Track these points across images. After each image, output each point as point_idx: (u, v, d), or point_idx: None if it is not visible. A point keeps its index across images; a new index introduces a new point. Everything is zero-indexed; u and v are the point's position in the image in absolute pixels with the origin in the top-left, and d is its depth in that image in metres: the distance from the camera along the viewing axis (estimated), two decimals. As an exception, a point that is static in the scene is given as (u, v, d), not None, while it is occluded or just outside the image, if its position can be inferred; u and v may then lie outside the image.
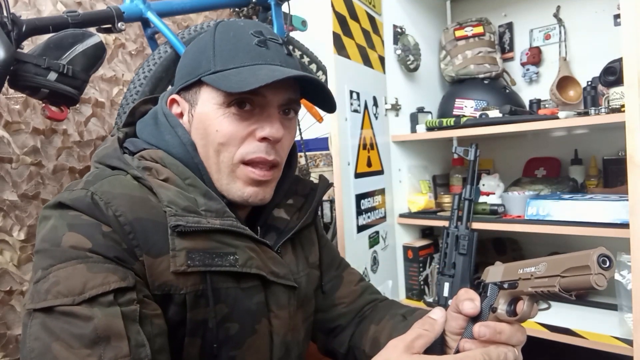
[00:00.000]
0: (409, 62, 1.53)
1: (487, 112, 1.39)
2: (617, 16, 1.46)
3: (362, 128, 1.34)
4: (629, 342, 1.06)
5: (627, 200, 0.99)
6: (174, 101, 0.68)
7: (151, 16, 1.21)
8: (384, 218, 1.46)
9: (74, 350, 0.47)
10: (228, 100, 0.62)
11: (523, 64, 1.66)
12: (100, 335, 0.48)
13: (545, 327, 1.22)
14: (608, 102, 1.20)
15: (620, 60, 1.08)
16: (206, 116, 0.63)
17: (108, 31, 1.15)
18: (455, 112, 1.56)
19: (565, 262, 0.44)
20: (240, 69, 0.61)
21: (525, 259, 0.54)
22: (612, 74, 1.20)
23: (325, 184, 0.80)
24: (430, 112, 1.61)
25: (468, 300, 0.55)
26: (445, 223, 1.33)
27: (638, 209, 0.96)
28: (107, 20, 1.12)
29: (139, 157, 0.63)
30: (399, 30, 1.56)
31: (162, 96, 0.71)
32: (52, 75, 0.94)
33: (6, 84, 0.90)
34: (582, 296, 1.40)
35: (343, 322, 0.80)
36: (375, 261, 1.39)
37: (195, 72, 0.64)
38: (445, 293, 1.26)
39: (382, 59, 1.49)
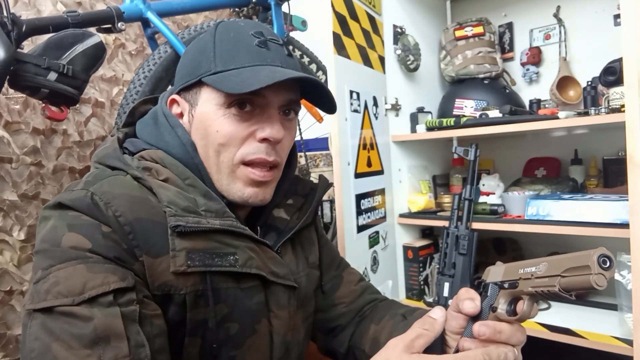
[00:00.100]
0: (409, 62, 1.53)
1: (487, 112, 1.39)
2: (617, 16, 1.46)
3: (362, 128, 1.34)
4: (629, 342, 1.06)
5: (627, 200, 0.99)
6: (174, 101, 0.68)
7: (151, 16, 1.21)
8: (384, 218, 1.46)
9: (73, 350, 0.47)
10: (228, 101, 0.62)
11: (523, 64, 1.67)
12: (100, 335, 0.48)
13: (545, 327, 1.22)
14: (608, 102, 1.20)
15: (620, 60, 1.08)
16: (206, 117, 0.63)
17: (108, 31, 1.15)
18: (455, 112, 1.56)
19: (566, 262, 0.44)
20: (240, 69, 0.61)
21: (525, 259, 0.54)
22: (612, 74, 1.20)
23: (325, 184, 0.80)
24: (430, 112, 1.61)
25: (468, 300, 0.55)
26: (445, 223, 1.33)
27: (638, 209, 0.96)
28: (107, 20, 1.12)
29: (139, 158, 0.63)
30: (399, 30, 1.56)
31: (162, 96, 0.71)
32: (52, 75, 0.94)
33: (6, 84, 0.90)
34: (582, 296, 1.41)
35: (343, 321, 0.80)
36: (375, 261, 1.39)
37: (196, 73, 0.64)
38: (445, 293, 1.26)
39: (382, 59, 1.49)
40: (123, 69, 1.53)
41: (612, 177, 1.40)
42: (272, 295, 0.65)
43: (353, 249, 1.25)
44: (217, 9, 1.57)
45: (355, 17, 1.34)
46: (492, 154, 1.75)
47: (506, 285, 0.51)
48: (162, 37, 1.24)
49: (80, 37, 1.00)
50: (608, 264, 0.41)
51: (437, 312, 0.55)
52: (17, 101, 1.22)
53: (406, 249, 1.52)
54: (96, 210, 0.54)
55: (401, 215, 1.53)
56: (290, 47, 1.42)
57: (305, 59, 1.61)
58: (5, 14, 0.90)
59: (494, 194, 1.44)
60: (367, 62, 1.39)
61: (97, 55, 1.03)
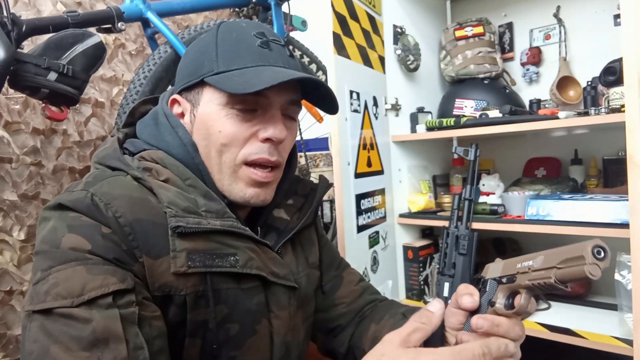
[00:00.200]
0: (409, 62, 1.53)
1: (487, 112, 1.39)
2: (617, 16, 1.46)
3: (362, 128, 1.34)
4: (629, 342, 1.06)
5: (627, 200, 0.99)
6: (175, 101, 0.68)
7: (151, 16, 1.21)
8: (384, 218, 1.46)
9: (72, 352, 0.47)
10: (231, 101, 0.62)
11: (523, 64, 1.66)
12: (99, 337, 0.48)
13: (545, 327, 1.22)
14: (608, 102, 1.19)
15: (620, 60, 1.08)
16: (208, 117, 0.63)
17: (108, 31, 1.15)
18: (455, 112, 1.56)
19: (561, 254, 0.45)
20: (243, 70, 0.61)
21: (525, 259, 0.53)
22: (612, 74, 1.20)
23: (325, 184, 0.80)
24: (430, 112, 1.61)
25: (467, 295, 0.55)
26: (445, 223, 1.33)
27: (638, 209, 0.96)
28: (107, 20, 1.12)
29: (139, 158, 0.63)
30: (399, 30, 1.56)
31: (163, 96, 0.71)
32: (52, 75, 0.94)
33: (6, 84, 0.90)
34: (582, 296, 1.41)
35: (343, 322, 0.80)
36: (375, 261, 1.39)
37: (198, 73, 0.64)
38: (445, 293, 1.26)
39: (382, 59, 1.48)
40: (123, 69, 1.53)
41: (612, 177, 1.40)
42: (273, 296, 0.65)
43: (353, 249, 1.25)
44: (217, 9, 1.57)
45: (355, 17, 1.34)
46: (492, 154, 1.75)
47: (504, 280, 0.52)
48: (162, 37, 1.24)
49: (80, 37, 1.00)
50: (602, 254, 0.42)
51: (435, 305, 0.54)
52: (17, 101, 1.22)
53: (406, 249, 1.52)
54: (96, 211, 0.54)
55: (401, 215, 1.53)
56: (290, 47, 1.42)
57: (305, 59, 1.61)
58: (5, 14, 0.90)
59: (494, 194, 1.44)
60: (367, 62, 1.39)
61: (97, 55, 1.03)
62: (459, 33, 1.62)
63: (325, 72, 1.62)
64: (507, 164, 1.72)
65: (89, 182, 0.58)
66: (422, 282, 1.51)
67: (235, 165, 0.63)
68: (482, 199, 1.44)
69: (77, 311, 0.48)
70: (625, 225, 1.04)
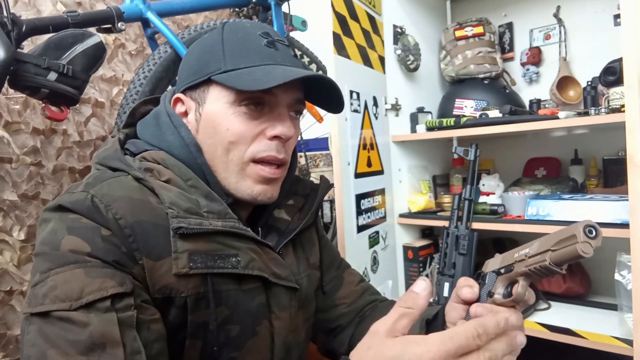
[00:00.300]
0: (409, 62, 1.53)
1: (487, 112, 1.39)
2: (617, 16, 1.46)
3: (362, 128, 1.34)
4: (629, 342, 1.06)
5: (627, 200, 0.99)
6: (178, 100, 0.68)
7: (151, 16, 1.21)
8: (384, 218, 1.46)
9: (69, 357, 0.46)
10: (240, 99, 0.62)
11: (523, 64, 1.66)
12: (96, 341, 0.47)
13: (545, 327, 1.22)
14: (608, 102, 1.20)
15: (620, 60, 1.08)
16: (215, 115, 0.63)
17: (108, 31, 1.14)
18: (455, 112, 1.56)
19: (555, 237, 0.46)
20: (251, 68, 0.62)
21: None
22: (612, 74, 1.20)
23: (326, 184, 0.80)
24: (430, 112, 1.61)
25: (466, 287, 0.55)
26: (445, 223, 1.33)
27: (638, 209, 0.96)
28: (107, 20, 1.12)
29: (141, 159, 0.63)
30: (399, 30, 1.56)
31: (164, 96, 0.71)
32: (52, 75, 0.94)
33: (6, 84, 0.90)
34: (582, 296, 1.41)
35: (343, 322, 0.80)
36: (375, 261, 1.39)
37: (204, 71, 0.64)
38: (445, 293, 1.26)
39: (382, 59, 1.48)
40: (123, 69, 1.53)
41: (612, 177, 1.40)
42: (274, 297, 0.65)
43: (353, 249, 1.25)
44: (217, 9, 1.57)
45: (355, 17, 1.34)
46: (492, 154, 1.75)
47: (502, 271, 0.53)
48: (162, 37, 1.23)
49: (80, 37, 1.00)
50: (594, 233, 0.42)
51: (420, 285, 0.47)
52: (17, 101, 1.22)
53: (406, 249, 1.52)
54: (96, 213, 0.54)
55: (401, 215, 1.53)
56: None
57: (306, 59, 1.61)
58: (5, 14, 0.90)
59: (494, 194, 1.45)
60: (367, 62, 1.39)
61: (97, 55, 1.02)
62: (459, 33, 1.62)
63: (325, 72, 1.62)
64: (507, 164, 1.72)
65: (89, 184, 0.57)
66: (422, 282, 1.51)
67: (243, 162, 0.63)
68: (482, 199, 1.44)
69: (75, 315, 0.48)
70: (625, 225, 1.04)
